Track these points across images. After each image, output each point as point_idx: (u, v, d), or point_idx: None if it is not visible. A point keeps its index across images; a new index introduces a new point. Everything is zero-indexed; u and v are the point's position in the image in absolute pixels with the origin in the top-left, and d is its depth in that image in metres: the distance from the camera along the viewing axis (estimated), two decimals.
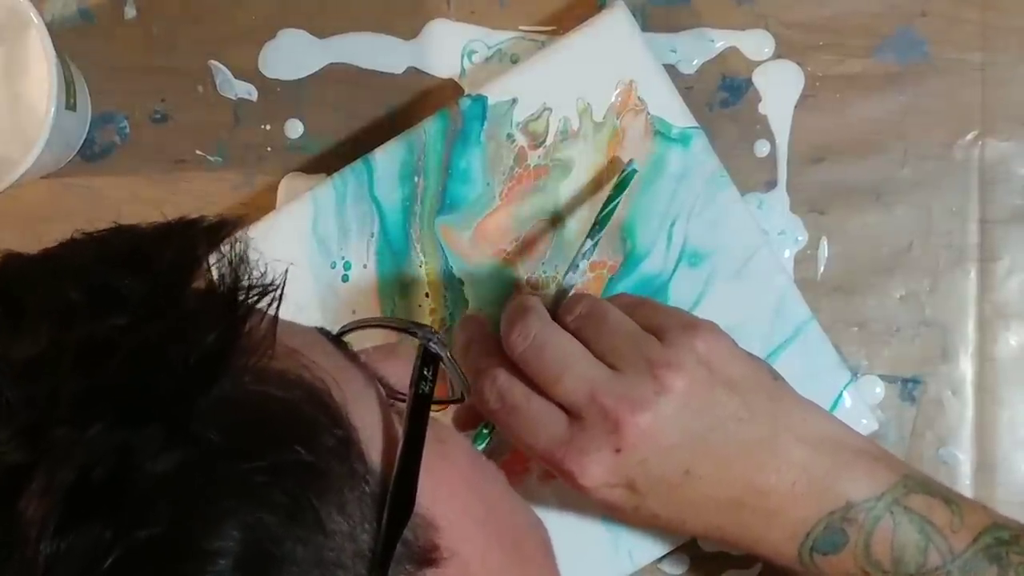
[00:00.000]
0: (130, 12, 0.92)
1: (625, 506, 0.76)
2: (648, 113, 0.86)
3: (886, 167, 0.90)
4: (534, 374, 0.75)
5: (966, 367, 0.89)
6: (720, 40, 0.90)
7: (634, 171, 0.84)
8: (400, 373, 0.56)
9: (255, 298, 0.49)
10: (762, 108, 0.90)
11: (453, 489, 0.54)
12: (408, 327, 0.60)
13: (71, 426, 0.43)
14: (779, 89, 0.90)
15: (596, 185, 0.86)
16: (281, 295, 0.50)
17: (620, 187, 0.83)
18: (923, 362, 0.90)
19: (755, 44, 0.90)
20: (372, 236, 0.87)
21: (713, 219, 0.86)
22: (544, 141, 0.87)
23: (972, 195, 0.89)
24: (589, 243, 0.82)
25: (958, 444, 0.89)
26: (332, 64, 0.91)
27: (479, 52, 0.91)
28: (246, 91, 0.91)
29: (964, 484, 0.88)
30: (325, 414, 0.48)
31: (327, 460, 0.46)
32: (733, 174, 0.87)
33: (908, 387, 0.89)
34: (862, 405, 0.87)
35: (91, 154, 0.92)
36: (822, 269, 0.90)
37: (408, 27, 0.91)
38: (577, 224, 0.86)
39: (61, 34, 0.89)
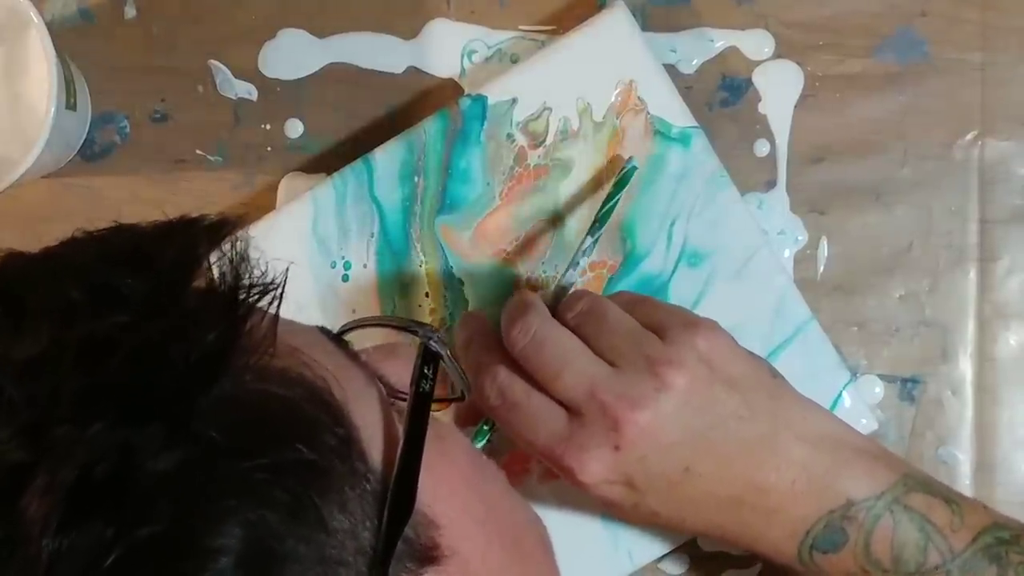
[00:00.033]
0: (130, 12, 0.92)
1: (624, 503, 0.76)
2: (648, 113, 0.86)
3: (886, 167, 0.90)
4: (534, 371, 0.75)
5: (966, 367, 0.89)
6: (720, 40, 0.90)
7: (634, 168, 0.84)
8: (400, 372, 0.56)
9: (256, 297, 0.49)
10: (762, 108, 0.90)
11: (453, 487, 0.54)
12: (408, 325, 0.60)
13: (72, 425, 0.43)
14: (779, 89, 0.90)
15: (596, 185, 0.86)
16: (282, 294, 0.50)
17: (620, 184, 0.83)
18: (923, 362, 0.90)
19: (755, 44, 0.90)
20: (372, 236, 0.87)
21: (713, 219, 0.86)
22: (544, 141, 0.87)
23: (972, 195, 0.89)
24: (589, 240, 0.82)
25: (958, 444, 0.89)
26: (332, 64, 0.91)
27: (479, 52, 0.91)
28: (246, 91, 0.92)
29: (964, 484, 0.88)
30: (326, 412, 0.48)
31: (328, 458, 0.46)
32: (733, 174, 0.87)
33: (908, 387, 0.89)
34: (862, 405, 0.87)
35: (91, 154, 0.92)
36: (822, 269, 0.90)
37: (408, 27, 0.91)
38: (577, 224, 0.87)
39: (61, 34, 0.89)
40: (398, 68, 0.91)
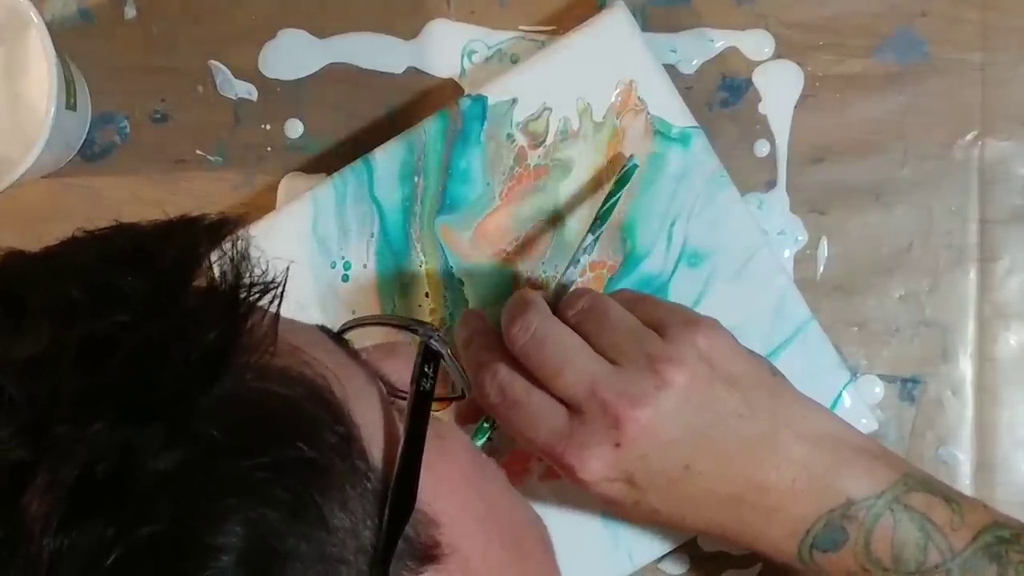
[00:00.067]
0: (130, 12, 0.92)
1: (625, 501, 0.76)
2: (648, 113, 0.86)
3: (886, 167, 0.90)
4: (534, 368, 0.75)
5: (966, 367, 0.89)
6: (720, 40, 0.90)
7: (635, 166, 0.84)
8: (401, 371, 0.56)
9: (256, 296, 0.49)
10: (762, 108, 0.90)
11: (454, 486, 0.54)
12: (409, 324, 0.60)
13: (73, 424, 0.43)
14: (779, 89, 0.90)
15: (596, 185, 0.86)
16: (283, 292, 0.50)
17: (622, 182, 0.83)
18: (923, 362, 0.90)
19: (755, 44, 0.90)
20: (372, 236, 0.87)
21: (713, 219, 0.86)
22: (544, 141, 0.87)
23: (972, 195, 0.89)
24: (590, 238, 0.82)
25: (958, 444, 0.89)
26: (332, 64, 0.91)
27: (479, 52, 0.91)
28: (246, 91, 0.92)
29: (964, 484, 0.88)
30: (327, 411, 0.48)
31: (329, 457, 0.46)
32: (733, 174, 0.87)
33: (908, 387, 0.89)
34: (862, 405, 0.87)
35: (91, 154, 0.92)
36: (822, 269, 0.90)
37: (408, 27, 0.91)
38: (577, 224, 0.87)
39: (61, 34, 0.89)
40: (398, 68, 0.91)
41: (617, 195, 0.83)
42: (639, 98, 0.86)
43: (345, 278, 0.87)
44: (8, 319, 0.46)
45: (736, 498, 0.75)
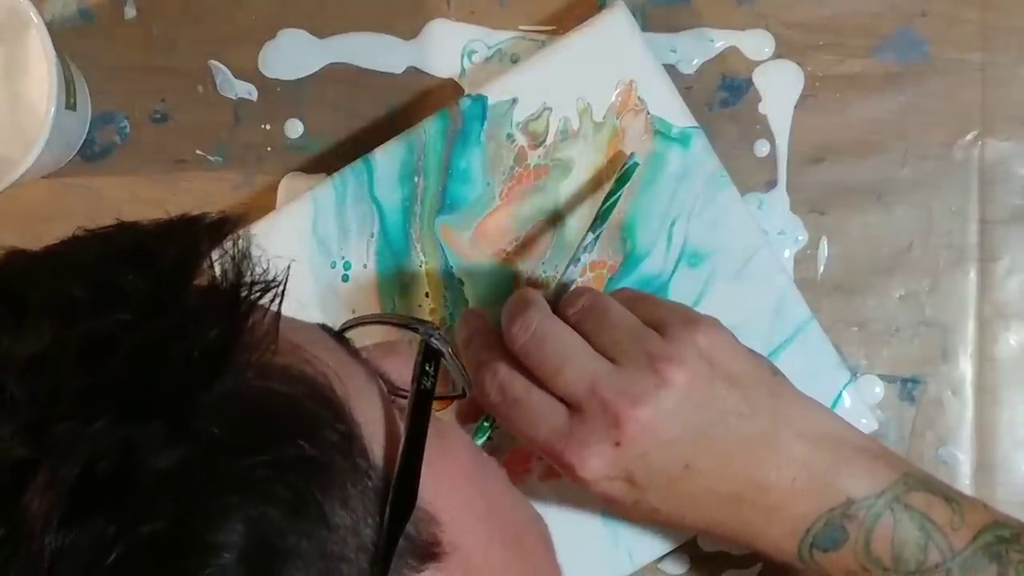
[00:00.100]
0: (130, 12, 0.92)
1: (625, 500, 0.76)
2: (648, 113, 0.86)
3: (886, 167, 0.90)
4: (535, 367, 0.75)
5: (966, 367, 0.89)
6: (720, 40, 0.90)
7: (636, 164, 0.84)
8: (401, 369, 0.56)
9: (257, 294, 0.49)
10: (762, 108, 0.90)
11: (454, 484, 0.54)
12: (409, 323, 0.60)
13: (74, 422, 0.43)
14: (779, 89, 0.90)
15: (596, 184, 0.86)
16: (283, 291, 0.50)
17: (622, 180, 0.83)
18: (923, 362, 0.90)
19: (755, 44, 0.90)
20: (372, 236, 0.87)
21: (713, 219, 0.86)
22: (544, 141, 0.87)
23: (972, 195, 0.89)
24: (591, 236, 0.82)
25: (958, 444, 0.89)
26: (332, 64, 0.91)
27: (479, 52, 0.91)
28: (246, 91, 0.92)
29: (964, 484, 0.88)
30: (327, 409, 0.48)
31: (330, 455, 0.47)
32: (733, 174, 0.87)
33: (908, 387, 0.89)
34: (862, 405, 0.87)
35: (91, 154, 0.92)
36: (822, 269, 0.90)
37: (408, 27, 0.91)
38: (577, 223, 0.87)
39: (61, 34, 0.89)
40: (398, 68, 0.91)
41: (618, 193, 0.83)
42: (639, 98, 0.86)
43: (345, 278, 0.87)
44: (9, 317, 0.46)
45: (736, 497, 0.75)
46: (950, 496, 0.76)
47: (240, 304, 0.48)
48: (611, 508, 0.80)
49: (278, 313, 0.49)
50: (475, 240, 0.87)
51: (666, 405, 0.73)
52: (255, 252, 0.50)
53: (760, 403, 0.75)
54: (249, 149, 0.92)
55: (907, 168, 0.90)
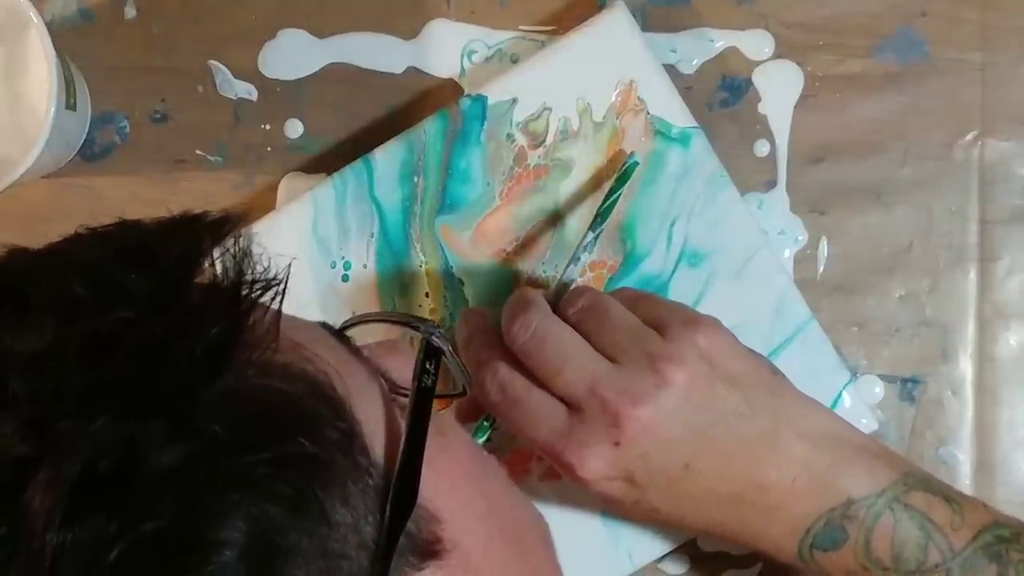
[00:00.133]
0: (130, 12, 0.92)
1: (625, 500, 0.76)
2: (648, 113, 0.86)
3: (886, 167, 0.90)
4: (535, 367, 0.75)
5: (966, 367, 0.89)
6: (720, 40, 0.90)
7: (636, 163, 0.84)
8: (402, 368, 0.56)
9: (259, 292, 0.49)
10: (762, 108, 0.90)
11: (455, 482, 0.54)
12: (410, 321, 0.60)
13: (76, 419, 0.43)
14: (779, 89, 0.90)
15: (596, 184, 0.86)
16: (285, 289, 0.50)
17: (623, 179, 0.83)
18: (923, 362, 0.90)
19: (755, 44, 0.90)
20: (372, 236, 0.87)
21: (713, 219, 0.87)
22: (544, 141, 0.87)
23: (972, 195, 0.89)
24: (591, 235, 0.82)
25: (958, 444, 0.89)
26: (332, 64, 0.91)
27: (479, 52, 0.91)
28: (246, 91, 0.92)
29: (964, 484, 0.88)
30: (328, 407, 0.48)
31: (331, 452, 0.47)
32: (733, 174, 0.87)
33: (908, 387, 0.89)
34: (862, 405, 0.87)
35: (91, 154, 0.92)
36: (822, 269, 0.90)
37: (408, 27, 0.91)
38: (577, 223, 0.87)
39: (61, 34, 0.89)
40: (398, 68, 0.91)
41: (618, 192, 0.83)
42: (639, 98, 0.86)
43: (345, 278, 0.87)
44: (12, 315, 0.46)
45: (736, 497, 0.75)
46: (950, 496, 0.76)
47: (241, 302, 0.48)
48: (611, 508, 0.80)
49: (279, 311, 0.49)
50: (475, 240, 0.87)
51: (666, 405, 0.73)
52: (256, 250, 0.50)
53: (760, 403, 0.75)
54: (249, 149, 0.92)
55: (907, 168, 0.90)
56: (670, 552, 0.87)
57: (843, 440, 0.76)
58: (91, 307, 0.45)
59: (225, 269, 0.49)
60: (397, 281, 0.87)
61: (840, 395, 0.86)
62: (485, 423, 0.80)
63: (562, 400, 0.75)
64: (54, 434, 0.43)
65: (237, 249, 0.49)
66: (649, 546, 0.86)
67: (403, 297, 0.87)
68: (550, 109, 0.86)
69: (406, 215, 0.87)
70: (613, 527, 0.85)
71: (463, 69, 0.91)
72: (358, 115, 0.91)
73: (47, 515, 0.42)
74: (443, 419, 0.56)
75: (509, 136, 0.86)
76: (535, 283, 0.87)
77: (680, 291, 0.87)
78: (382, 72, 0.91)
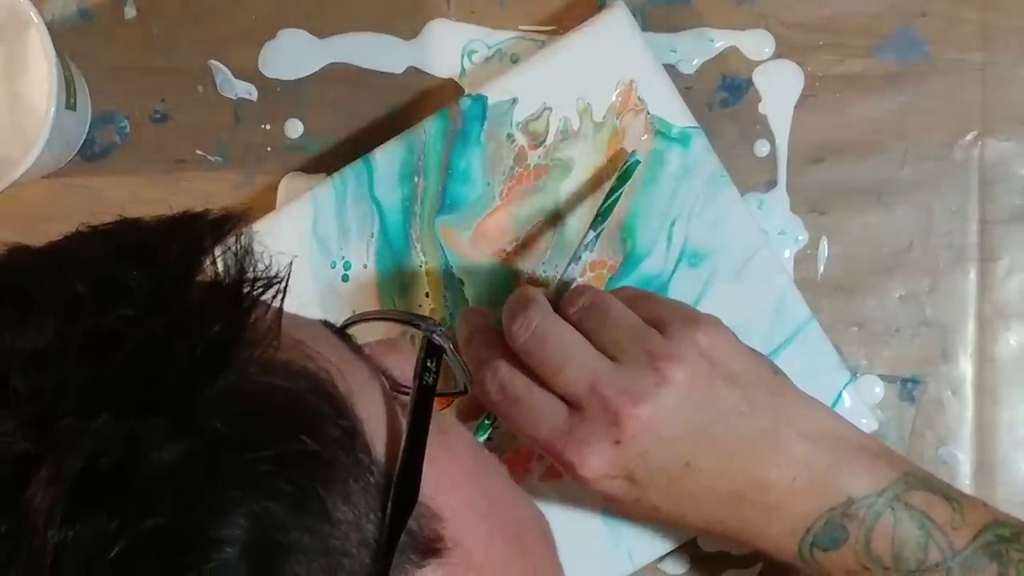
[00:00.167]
0: (130, 12, 0.92)
1: (625, 498, 0.76)
2: (648, 113, 0.86)
3: (886, 167, 0.90)
4: (535, 365, 0.75)
5: (966, 367, 0.89)
6: (720, 40, 0.90)
7: (637, 162, 0.84)
8: (403, 366, 0.56)
9: (260, 290, 0.49)
10: (762, 108, 0.90)
11: (456, 481, 0.54)
12: (411, 319, 0.60)
13: (77, 417, 0.43)
14: (779, 89, 0.90)
15: (596, 184, 0.87)
16: (286, 287, 0.50)
17: (623, 178, 0.83)
18: (923, 362, 0.90)
19: (755, 44, 0.90)
20: (372, 236, 0.87)
21: (713, 219, 0.87)
22: (544, 141, 0.87)
23: (972, 195, 0.89)
24: (591, 234, 0.82)
25: (958, 444, 0.89)
26: (332, 64, 0.91)
27: (479, 52, 0.91)
28: (246, 91, 0.92)
29: (964, 484, 0.88)
30: (330, 405, 0.48)
31: (332, 450, 0.47)
32: (733, 174, 0.87)
33: (908, 387, 0.89)
34: (862, 405, 0.87)
35: (91, 154, 0.92)
36: (822, 269, 0.90)
37: (408, 27, 0.91)
38: (577, 223, 0.87)
39: (61, 34, 0.89)
40: (398, 68, 0.91)
41: (619, 191, 0.83)
42: (639, 98, 0.86)
43: (345, 278, 0.87)
44: (13, 313, 0.46)
45: (736, 496, 0.75)
46: (950, 495, 0.76)
47: (242, 300, 0.48)
48: (611, 507, 0.80)
49: (280, 309, 0.49)
50: (475, 240, 0.87)
51: (666, 403, 0.73)
52: (257, 248, 0.50)
53: (761, 402, 0.75)
54: (249, 149, 0.92)
55: (907, 168, 0.90)
56: (670, 552, 0.87)
57: (843, 439, 0.76)
58: (92, 305, 0.45)
59: (226, 267, 0.49)
60: (397, 281, 0.87)
61: (840, 395, 0.86)
62: (486, 422, 0.80)
63: (563, 399, 0.75)
64: (55, 432, 0.43)
65: (238, 247, 0.49)
66: (649, 546, 0.86)
67: (403, 297, 0.87)
68: (550, 109, 0.86)
69: (406, 215, 0.87)
70: (614, 526, 0.85)
71: (463, 69, 0.91)
72: (358, 115, 0.91)
73: (48, 512, 0.42)
74: (444, 417, 0.56)
75: (509, 136, 0.87)
76: (535, 283, 0.87)
77: (680, 291, 0.87)
78: (382, 72, 0.91)
